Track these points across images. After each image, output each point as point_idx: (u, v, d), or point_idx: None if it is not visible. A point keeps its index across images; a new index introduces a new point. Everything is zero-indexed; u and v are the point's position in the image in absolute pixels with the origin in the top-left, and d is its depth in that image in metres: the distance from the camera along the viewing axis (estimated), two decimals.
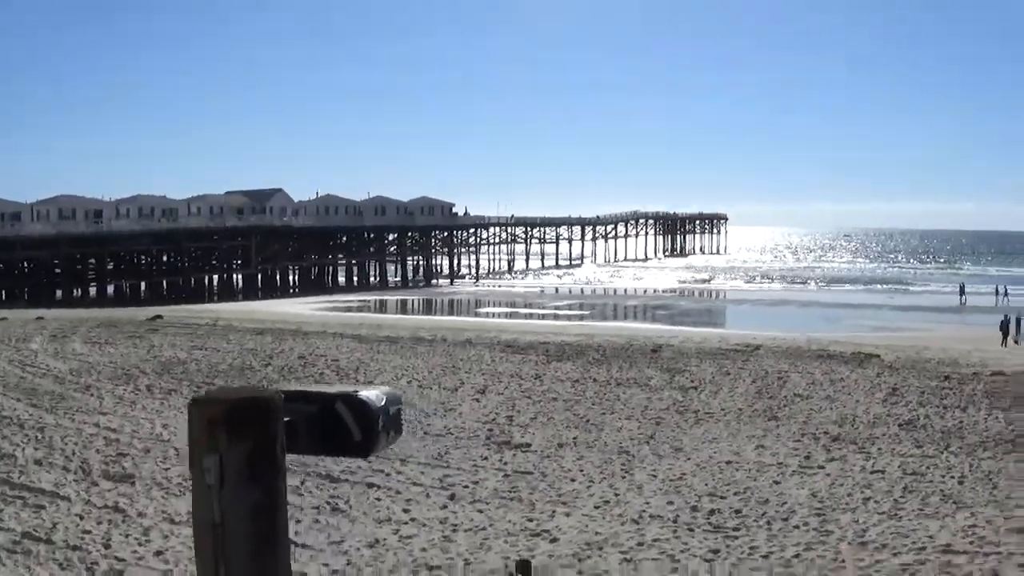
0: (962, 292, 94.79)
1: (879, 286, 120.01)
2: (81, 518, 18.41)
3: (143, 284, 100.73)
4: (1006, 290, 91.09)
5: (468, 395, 29.32)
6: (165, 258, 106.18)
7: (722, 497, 18.56)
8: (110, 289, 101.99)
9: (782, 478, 19.99)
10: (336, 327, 53.25)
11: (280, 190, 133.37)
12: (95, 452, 23.12)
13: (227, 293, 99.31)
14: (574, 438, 22.89)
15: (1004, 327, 52.05)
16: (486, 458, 21.76)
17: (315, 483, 20.43)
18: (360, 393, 3.38)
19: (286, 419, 3.16)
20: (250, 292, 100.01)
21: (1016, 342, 51.35)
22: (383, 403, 3.39)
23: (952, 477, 19.84)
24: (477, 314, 73.01)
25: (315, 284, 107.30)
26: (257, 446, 3.00)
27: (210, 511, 2.91)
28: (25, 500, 19.41)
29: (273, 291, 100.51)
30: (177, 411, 28.05)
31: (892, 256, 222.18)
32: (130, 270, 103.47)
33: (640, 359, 36.62)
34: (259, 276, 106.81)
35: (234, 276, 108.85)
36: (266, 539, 3.12)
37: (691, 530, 16.46)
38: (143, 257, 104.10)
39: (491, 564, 14.46)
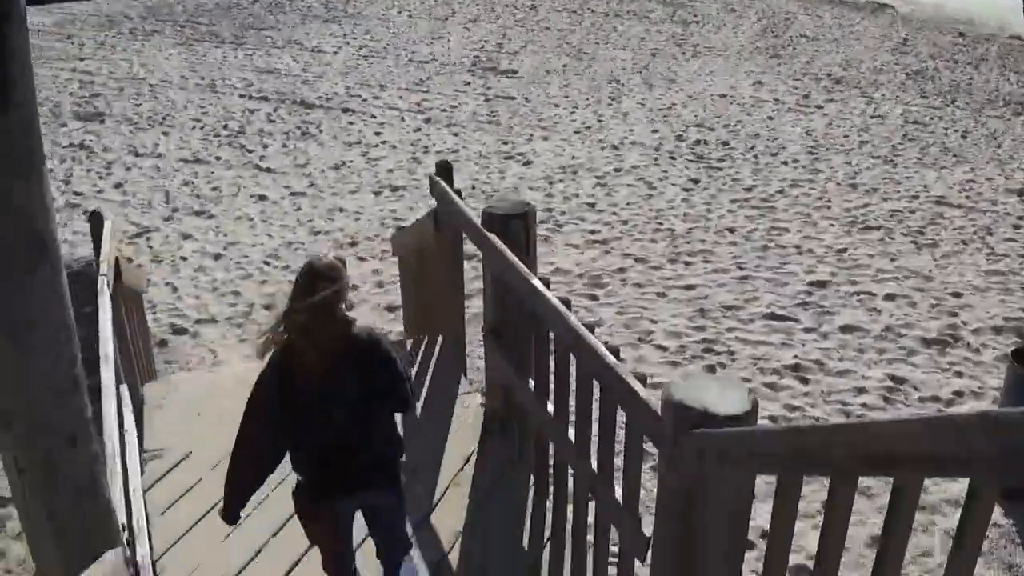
0: None
1: None
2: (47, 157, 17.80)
3: None
4: None
5: (458, 24, 28.02)
6: None
7: (711, 129, 17.65)
8: None
9: (776, 115, 19.00)
10: None
11: None
12: (68, 95, 22.51)
13: None
14: (564, 66, 21.77)
15: None
16: (469, 83, 20.77)
17: (288, 110, 19.76)
18: None
19: None
20: None
21: None
22: None
23: (955, 131, 18.83)
24: None
25: None
26: None
27: None
28: None
29: None
30: (157, 51, 27.20)
31: None
32: None
33: None
34: None
35: None
36: None
37: (673, 159, 15.63)
38: None
39: (457, 185, 13.56)
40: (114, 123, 19.79)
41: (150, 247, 13.28)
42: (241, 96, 21.06)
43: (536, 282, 5.28)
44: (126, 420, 5.87)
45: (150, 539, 5.75)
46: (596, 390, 4.60)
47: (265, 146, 17.58)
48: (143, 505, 5.34)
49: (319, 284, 4.41)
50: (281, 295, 5.77)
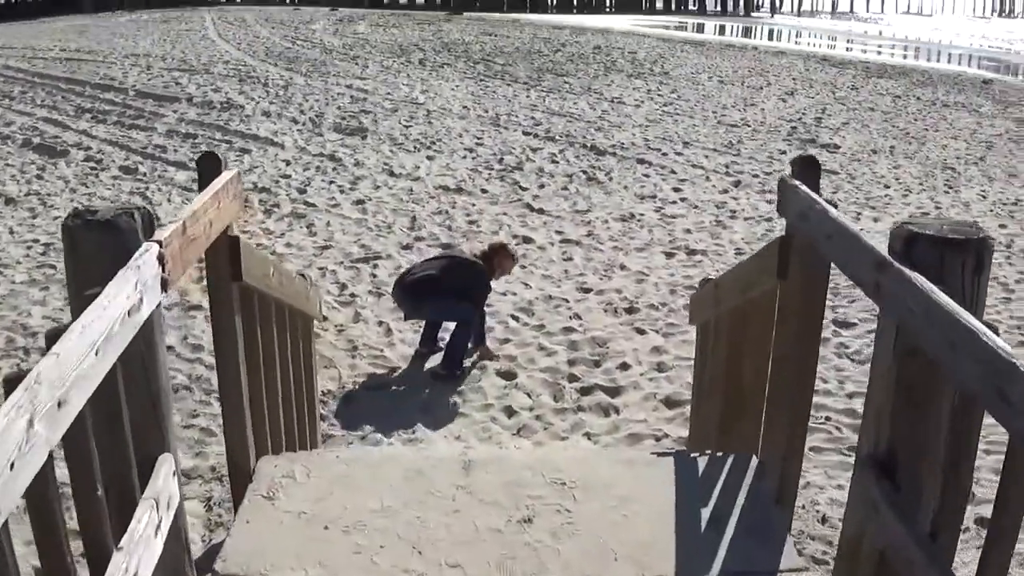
0: None
1: None
2: (287, 164, 17.20)
3: None
4: None
5: (774, 94, 25.99)
6: None
7: None
8: None
9: None
10: (644, 31, 49.82)
11: None
12: (335, 109, 22.12)
13: (540, 7, 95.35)
14: (891, 147, 19.36)
15: None
16: (784, 152, 18.60)
17: (576, 153, 18.41)
18: None
19: None
20: (564, 7, 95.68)
21: None
22: None
23: None
24: (795, 41, 67.14)
25: (632, 5, 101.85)
26: None
27: None
28: (231, 144, 18.51)
29: (587, 8, 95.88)
30: (444, 81, 26.74)
31: None
32: None
33: (969, 88, 31.58)
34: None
35: None
36: None
37: None
38: None
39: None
40: (376, 140, 18.95)
41: (374, 276, 11.60)
42: (526, 133, 19.79)
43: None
44: (142, 525, 2.94)
45: None
46: None
47: (542, 186, 15.97)
48: None
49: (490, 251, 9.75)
50: None
